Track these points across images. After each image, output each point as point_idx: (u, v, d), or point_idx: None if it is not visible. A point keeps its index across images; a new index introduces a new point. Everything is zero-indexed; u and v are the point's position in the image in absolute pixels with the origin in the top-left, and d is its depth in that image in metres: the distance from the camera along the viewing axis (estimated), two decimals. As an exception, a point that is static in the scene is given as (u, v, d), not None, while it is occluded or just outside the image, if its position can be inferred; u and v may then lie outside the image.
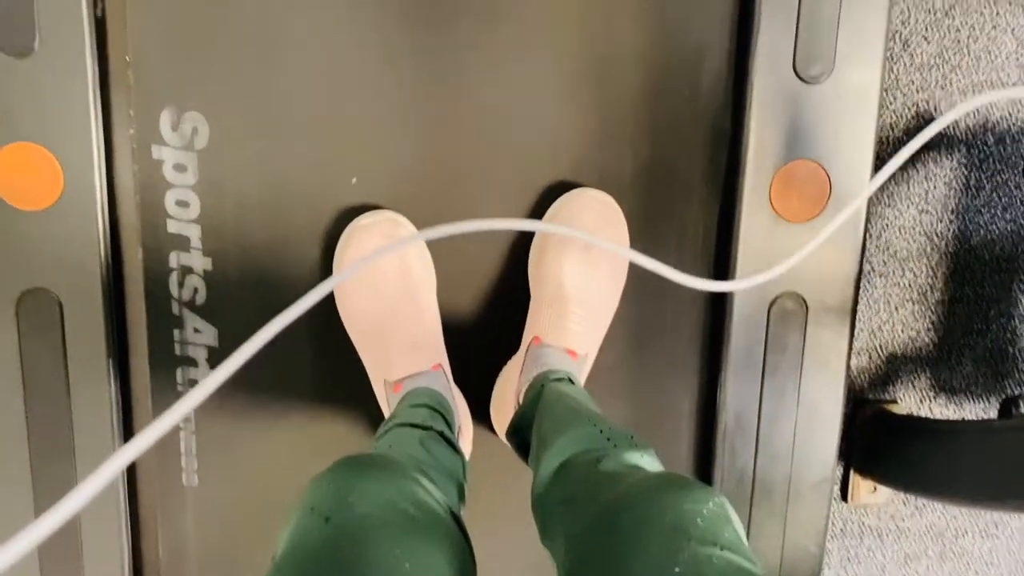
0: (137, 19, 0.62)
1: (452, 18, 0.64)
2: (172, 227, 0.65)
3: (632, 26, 0.65)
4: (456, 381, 0.67)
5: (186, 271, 0.65)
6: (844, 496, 0.92)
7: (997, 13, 0.83)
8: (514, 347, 0.68)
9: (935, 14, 0.83)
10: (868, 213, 0.71)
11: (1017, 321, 0.90)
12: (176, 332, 0.66)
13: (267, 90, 0.63)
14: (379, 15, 0.63)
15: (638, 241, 0.67)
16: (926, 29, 0.83)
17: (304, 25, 0.63)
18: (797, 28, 0.64)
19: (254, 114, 0.64)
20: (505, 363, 0.69)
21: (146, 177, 0.64)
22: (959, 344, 0.90)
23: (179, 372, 0.67)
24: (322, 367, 0.69)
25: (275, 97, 0.64)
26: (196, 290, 0.66)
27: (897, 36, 0.83)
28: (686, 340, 0.71)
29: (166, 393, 0.67)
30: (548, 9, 0.64)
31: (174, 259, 0.65)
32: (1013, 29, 0.83)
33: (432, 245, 0.66)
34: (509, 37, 0.65)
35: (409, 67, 0.64)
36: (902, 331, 0.90)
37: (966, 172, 0.86)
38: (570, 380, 0.61)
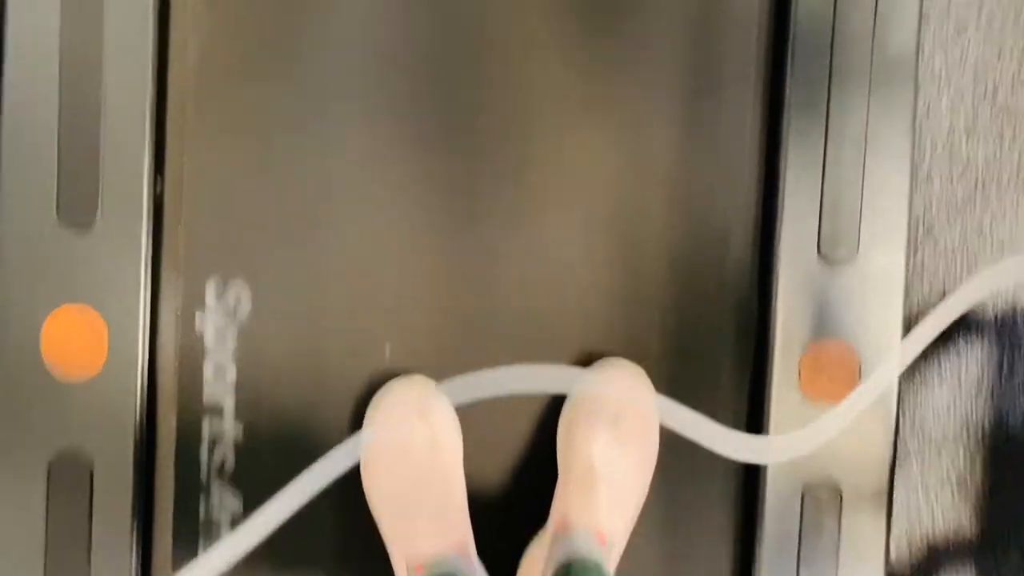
0: (192, 196, 0.66)
1: (483, 189, 0.67)
2: (208, 395, 0.66)
3: (659, 202, 0.68)
4: (479, 555, 0.65)
5: (217, 439, 0.66)
6: None
7: (1017, 202, 0.85)
8: (541, 520, 0.67)
9: (956, 202, 0.85)
10: (900, 395, 0.70)
11: (1064, 510, 0.86)
12: (202, 500, 0.66)
13: (308, 263, 0.66)
14: (413, 190, 0.67)
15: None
16: (948, 217, 0.85)
17: (344, 204, 0.67)
18: (821, 211, 0.66)
19: (295, 285, 0.66)
20: (531, 537, 0.67)
21: (187, 345, 0.66)
22: (1004, 532, 0.86)
23: (202, 542, 0.66)
24: (341, 548, 0.68)
25: (315, 269, 0.67)
26: (225, 458, 0.66)
27: (920, 222, 0.85)
28: (717, 528, 0.69)
29: (187, 562, 0.66)
30: (577, 184, 0.68)
31: (207, 427, 0.66)
32: (1033, 218, 0.85)
33: (459, 413, 0.66)
34: (539, 209, 0.68)
35: (441, 238, 0.67)
36: (942, 518, 0.86)
37: (999, 354, 0.86)
38: (598, 567, 0.59)
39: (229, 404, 0.66)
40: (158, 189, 0.65)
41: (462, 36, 0.67)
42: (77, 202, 0.63)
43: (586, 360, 0.67)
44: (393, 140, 0.67)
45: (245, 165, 0.66)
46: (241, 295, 0.66)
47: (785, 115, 0.65)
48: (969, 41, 0.86)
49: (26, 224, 0.64)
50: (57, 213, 0.63)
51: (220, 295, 0.66)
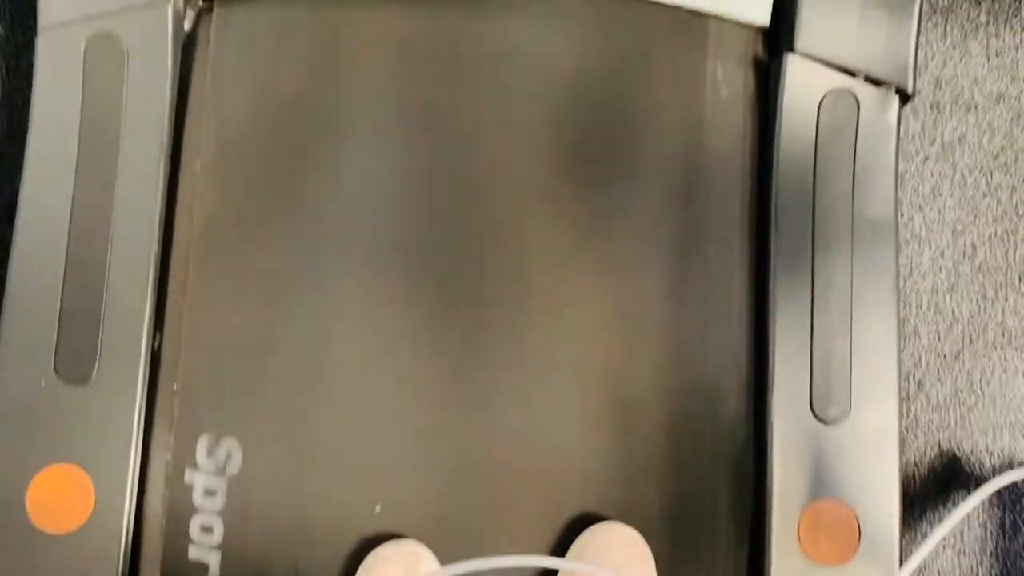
0: (189, 353, 0.66)
1: (477, 351, 0.68)
2: (193, 553, 0.65)
3: (652, 363, 0.69)
4: None
5: (200, 600, 0.64)
6: None
7: (1005, 358, 0.86)
8: None
9: (945, 357, 0.86)
10: (903, 554, 0.69)
11: None
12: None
13: (300, 422, 0.66)
14: (407, 352, 0.68)
15: (665, 583, 0.66)
16: (938, 371, 0.86)
17: (338, 365, 0.67)
18: (811, 370, 0.67)
19: (286, 443, 0.66)
20: None
21: (175, 501, 0.65)
22: None
23: None
24: None
25: (307, 428, 0.67)
26: (207, 620, 0.64)
27: (911, 377, 0.86)
28: None
29: None
30: (571, 344, 0.69)
31: (191, 586, 0.64)
32: (1023, 372, 0.86)
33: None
34: (533, 369, 0.68)
35: (434, 398, 0.68)
36: None
37: (1000, 513, 0.84)
38: None
39: (214, 562, 0.64)
40: (156, 344, 0.66)
41: (458, 204, 0.69)
42: (75, 356, 0.64)
43: (581, 522, 0.66)
44: (389, 303, 0.68)
45: (242, 324, 0.67)
46: (232, 452, 0.65)
47: (772, 276, 0.67)
48: (945, 202, 0.90)
49: (23, 376, 0.64)
50: (55, 367, 0.64)
51: (211, 451, 0.65)
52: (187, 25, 0.69)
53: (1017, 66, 0.93)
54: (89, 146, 0.66)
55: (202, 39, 0.69)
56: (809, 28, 0.69)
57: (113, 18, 0.67)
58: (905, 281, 0.87)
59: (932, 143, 0.91)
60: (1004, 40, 0.93)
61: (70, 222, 0.66)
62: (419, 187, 0.69)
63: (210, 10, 0.70)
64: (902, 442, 0.70)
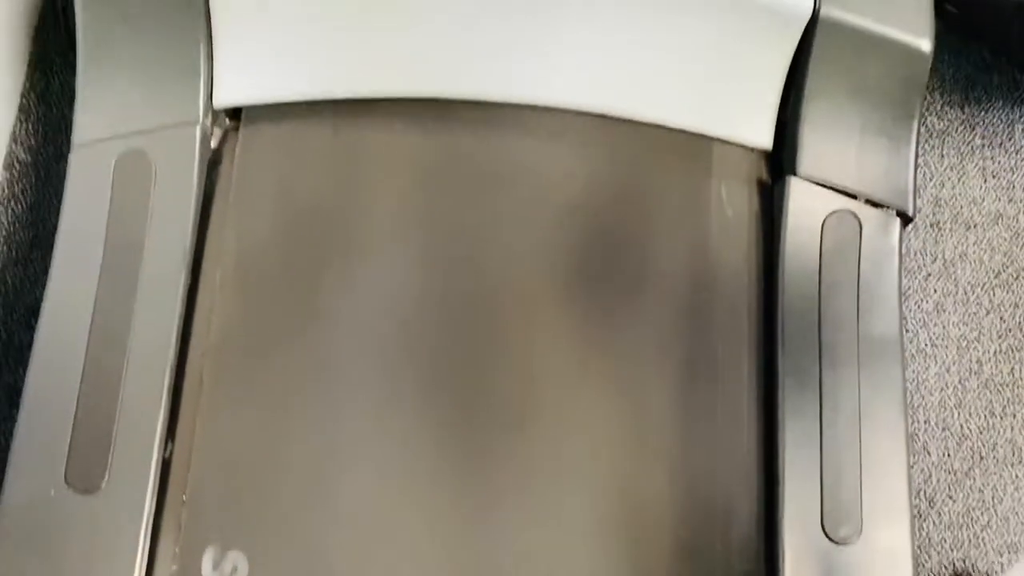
0: (200, 463, 0.67)
1: (486, 468, 0.68)
2: (193, 669, 0.63)
3: (661, 483, 0.68)
4: None
5: None
6: None
7: (1016, 476, 0.86)
8: None
9: (955, 474, 0.86)
10: None
11: None
12: None
13: (307, 536, 0.66)
14: (415, 469, 0.68)
15: None
16: (949, 488, 0.85)
17: (347, 482, 0.67)
18: (822, 489, 0.67)
19: (293, 558, 0.66)
20: None
21: (177, 615, 0.64)
22: None
23: None
24: None
25: (315, 544, 0.66)
26: None
27: (922, 494, 0.85)
28: None
29: None
30: (579, 463, 0.69)
31: None
32: (1034, 493, 0.86)
33: None
34: (541, 487, 0.68)
35: (442, 514, 0.67)
36: None
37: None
38: None
39: (216, 676, 0.63)
40: (167, 454, 0.66)
41: (469, 322, 0.71)
42: (87, 466, 0.64)
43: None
44: (399, 420, 0.69)
45: (253, 436, 0.68)
46: (238, 565, 0.65)
47: (780, 395, 0.68)
48: (949, 318, 0.91)
49: (33, 485, 0.64)
50: (65, 477, 0.64)
51: (217, 564, 0.65)
52: (214, 143, 0.72)
53: (1013, 187, 0.95)
54: (113, 257, 0.68)
55: (227, 156, 0.72)
56: (810, 152, 0.72)
57: (144, 136, 0.70)
58: (912, 396, 0.87)
59: (934, 260, 0.92)
60: (999, 162, 0.96)
61: (90, 331, 0.67)
62: (431, 304, 0.71)
63: (236, 129, 0.73)
64: (916, 562, 0.69)
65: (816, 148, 0.72)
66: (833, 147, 0.72)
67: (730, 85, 0.74)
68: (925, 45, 0.69)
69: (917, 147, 0.73)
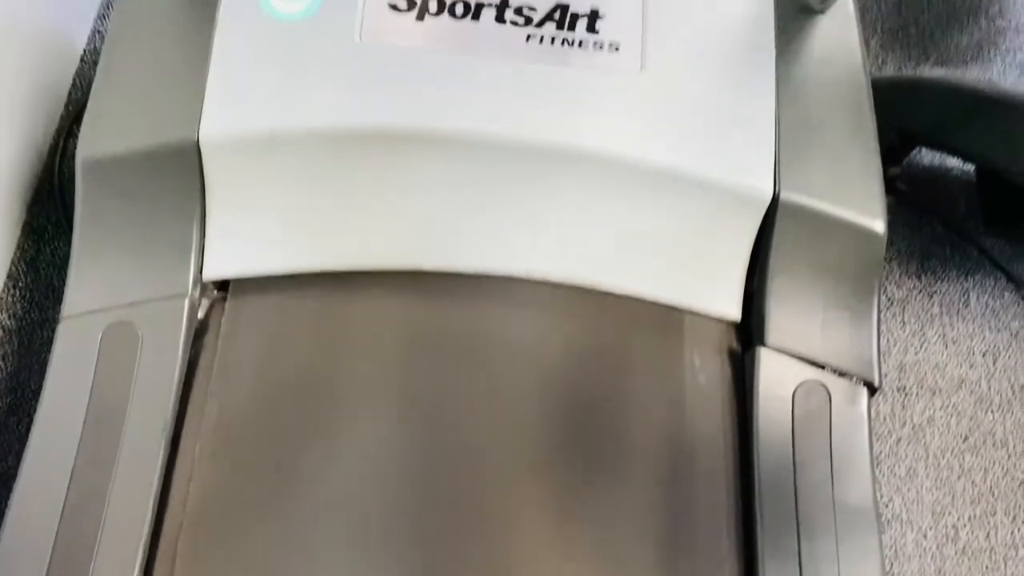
0: None
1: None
2: None
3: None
4: None
5: None
6: None
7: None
8: None
9: None
10: None
11: None
12: None
13: None
14: None
15: None
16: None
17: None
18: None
19: None
20: None
21: None
22: None
23: None
24: None
25: None
26: None
27: None
28: None
29: None
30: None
31: None
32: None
33: None
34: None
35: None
36: None
37: None
38: None
39: None
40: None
41: (449, 493, 0.71)
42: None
43: None
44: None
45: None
46: None
47: (759, 566, 0.68)
48: (922, 483, 0.92)
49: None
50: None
51: None
52: (200, 314, 0.74)
53: (973, 353, 0.99)
54: (94, 427, 0.68)
55: (213, 326, 0.74)
56: (777, 324, 0.75)
57: (133, 308, 0.72)
58: (892, 565, 0.87)
59: (903, 425, 0.95)
60: (958, 329, 1.00)
61: (65, 500, 0.66)
62: (411, 477, 0.71)
63: (223, 300, 0.75)
64: None
65: (782, 321, 0.75)
66: (798, 320, 0.76)
67: (699, 261, 0.77)
68: (879, 226, 0.74)
69: (879, 320, 0.76)
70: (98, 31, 1.06)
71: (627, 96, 0.75)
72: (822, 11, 0.79)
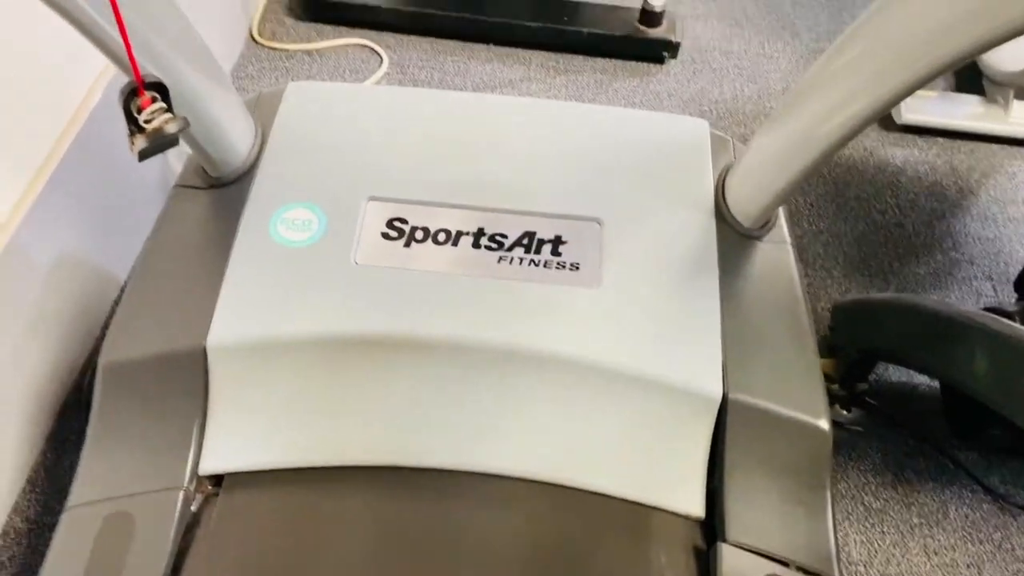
0: None
1: None
2: None
3: None
4: None
5: None
6: None
7: None
8: None
9: None
10: None
11: None
12: None
13: None
14: None
15: None
16: None
17: None
18: None
19: None
20: None
21: None
22: None
23: None
24: None
25: None
26: None
27: None
28: None
29: None
30: None
31: None
32: None
33: None
34: None
35: None
36: None
37: None
38: None
39: None
40: None
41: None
42: None
43: None
44: None
45: None
46: None
47: None
48: None
49: None
50: None
51: None
52: (194, 506, 0.79)
53: (957, 565, 0.99)
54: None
55: (204, 518, 0.79)
56: (737, 520, 0.79)
57: (132, 499, 0.78)
58: None
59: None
60: (939, 540, 1.01)
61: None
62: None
63: (216, 494, 0.81)
64: None
65: (742, 516, 0.79)
66: (757, 515, 0.79)
67: (661, 459, 0.83)
68: (823, 423, 0.79)
69: (834, 515, 0.80)
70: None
71: (587, 308, 0.84)
72: (759, 237, 0.90)
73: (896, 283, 1.27)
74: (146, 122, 0.65)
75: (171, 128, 0.66)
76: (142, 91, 0.65)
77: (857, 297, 1.23)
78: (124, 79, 0.68)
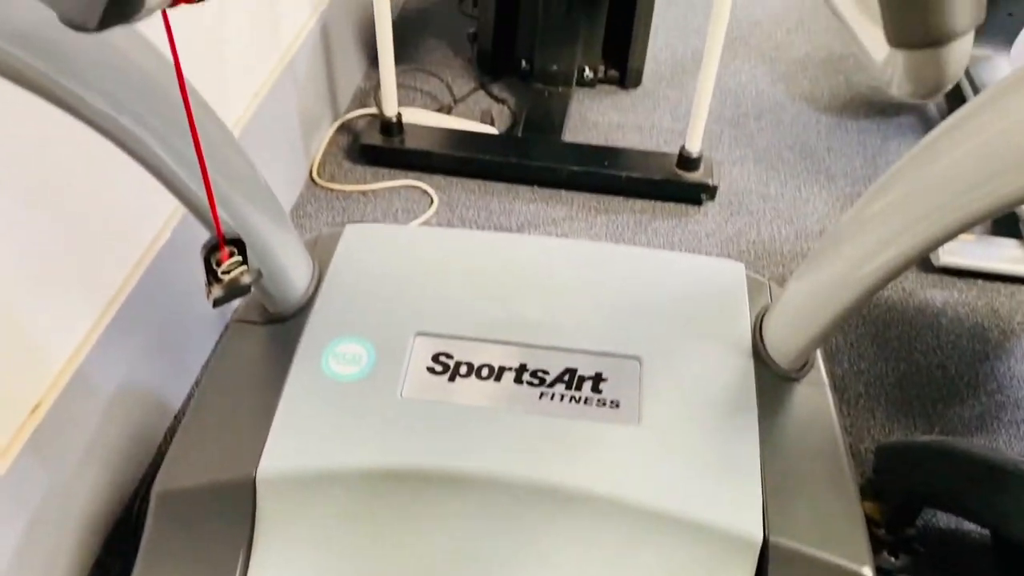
0: None
1: None
2: None
3: None
4: None
5: None
6: None
7: None
8: None
9: None
10: None
11: None
12: None
13: None
14: None
15: None
16: None
17: None
18: None
19: None
20: None
21: None
22: None
23: None
24: None
25: None
26: None
27: None
28: None
29: None
30: None
31: None
32: None
33: None
34: None
35: None
36: None
37: None
38: None
39: None
40: None
41: None
42: None
43: None
44: None
45: None
46: None
47: None
48: None
49: None
50: None
51: None
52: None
53: None
54: None
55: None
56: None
57: None
58: None
59: None
60: None
61: None
62: None
63: None
64: None
65: None
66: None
67: (703, 601, 0.82)
68: (866, 570, 0.78)
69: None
70: (192, 395, 1.25)
71: (627, 447, 0.85)
72: (797, 379, 0.91)
73: (940, 425, 1.26)
74: (224, 273, 0.70)
75: (246, 280, 0.71)
76: (222, 246, 0.70)
77: (901, 440, 1.22)
78: (191, 218, 0.75)
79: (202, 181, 0.66)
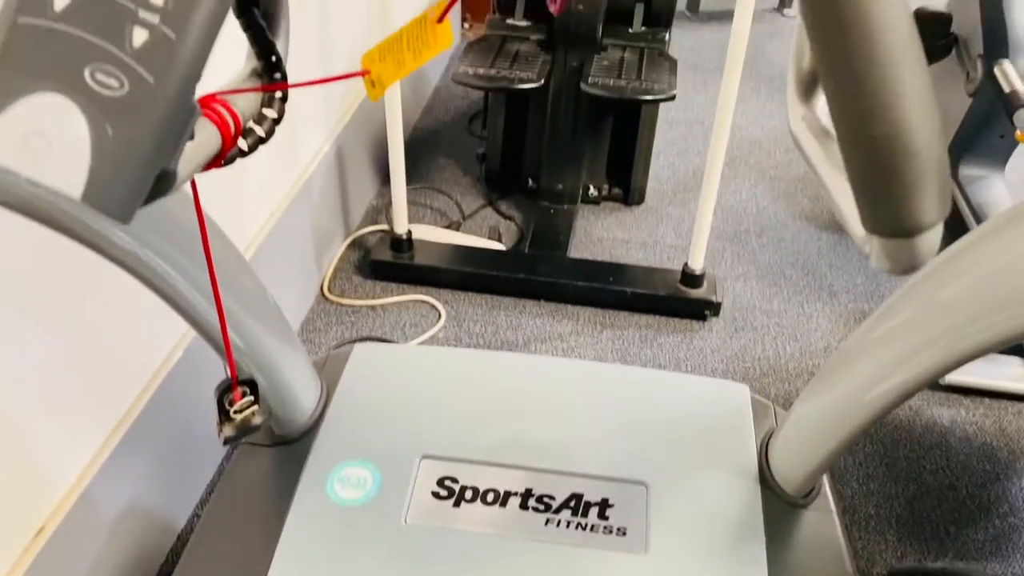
0: None
1: None
2: None
3: None
4: None
5: None
6: None
7: None
8: None
9: None
10: None
11: None
12: None
13: None
14: None
15: None
16: None
17: None
18: None
19: None
20: None
21: None
22: None
23: None
24: None
25: None
26: None
27: None
28: None
29: None
30: None
31: None
32: None
33: None
34: None
35: None
36: None
37: None
38: None
39: None
40: None
41: None
42: None
43: None
44: None
45: None
46: None
47: None
48: None
49: None
50: None
51: None
52: None
53: None
54: None
55: None
56: None
57: None
58: None
59: None
60: None
61: None
62: None
63: None
64: None
65: None
66: None
67: None
68: None
69: None
70: (196, 514, 1.24)
71: (635, 574, 0.84)
72: (804, 506, 0.90)
73: (954, 549, 1.23)
74: (236, 413, 0.72)
75: (257, 420, 0.73)
76: (235, 387, 0.72)
77: (915, 566, 1.20)
78: (200, 341, 0.77)
79: (216, 313, 0.68)
